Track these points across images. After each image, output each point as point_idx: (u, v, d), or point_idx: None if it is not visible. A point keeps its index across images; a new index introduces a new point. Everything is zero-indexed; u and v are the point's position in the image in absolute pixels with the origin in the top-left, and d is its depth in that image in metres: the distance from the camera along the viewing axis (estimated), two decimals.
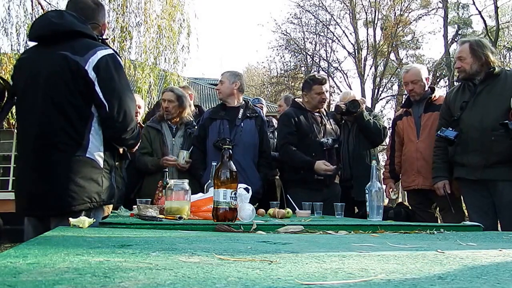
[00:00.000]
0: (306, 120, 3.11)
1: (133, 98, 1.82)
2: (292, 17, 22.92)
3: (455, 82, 3.28)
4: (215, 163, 2.18)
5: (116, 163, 1.90)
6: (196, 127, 3.25)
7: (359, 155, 3.37)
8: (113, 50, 1.83)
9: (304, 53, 23.03)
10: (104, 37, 1.94)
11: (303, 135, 3.07)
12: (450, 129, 2.62)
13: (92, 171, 1.70)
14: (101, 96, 1.68)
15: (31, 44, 1.90)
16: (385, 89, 21.78)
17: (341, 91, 20.93)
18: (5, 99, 1.67)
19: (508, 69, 2.82)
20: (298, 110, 3.16)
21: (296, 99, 3.39)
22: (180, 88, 3.44)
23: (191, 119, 3.37)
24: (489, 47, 2.62)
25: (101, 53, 1.71)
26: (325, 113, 3.30)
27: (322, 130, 3.15)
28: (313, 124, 3.12)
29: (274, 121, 3.90)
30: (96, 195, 1.71)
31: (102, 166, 1.73)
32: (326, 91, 3.20)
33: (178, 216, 1.59)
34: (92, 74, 1.67)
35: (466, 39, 2.81)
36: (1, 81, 1.69)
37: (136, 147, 2.11)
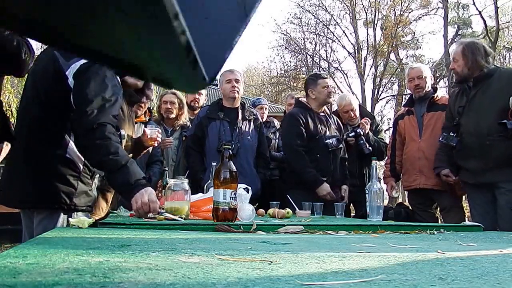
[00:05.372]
0: (312, 120, 3.08)
1: (106, 109, 1.61)
2: (292, 17, 23.00)
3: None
4: (215, 163, 2.18)
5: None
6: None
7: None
8: None
9: (304, 53, 23.05)
10: None
11: (310, 136, 3.04)
12: (452, 134, 2.63)
13: (67, 172, 1.66)
14: (72, 101, 1.62)
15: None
16: (385, 89, 21.82)
17: (341, 91, 20.97)
18: None
19: (503, 67, 2.81)
20: (304, 110, 3.12)
21: (300, 99, 3.32)
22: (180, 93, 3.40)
23: (188, 123, 3.35)
24: (481, 52, 2.60)
25: (84, 60, 1.62)
26: (329, 112, 3.28)
27: (328, 130, 3.13)
28: (318, 125, 3.09)
29: (276, 122, 3.88)
30: (65, 196, 1.65)
31: (81, 169, 1.69)
32: (331, 86, 3.20)
33: (178, 216, 1.59)
34: (71, 80, 1.63)
35: (463, 40, 2.81)
36: None
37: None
